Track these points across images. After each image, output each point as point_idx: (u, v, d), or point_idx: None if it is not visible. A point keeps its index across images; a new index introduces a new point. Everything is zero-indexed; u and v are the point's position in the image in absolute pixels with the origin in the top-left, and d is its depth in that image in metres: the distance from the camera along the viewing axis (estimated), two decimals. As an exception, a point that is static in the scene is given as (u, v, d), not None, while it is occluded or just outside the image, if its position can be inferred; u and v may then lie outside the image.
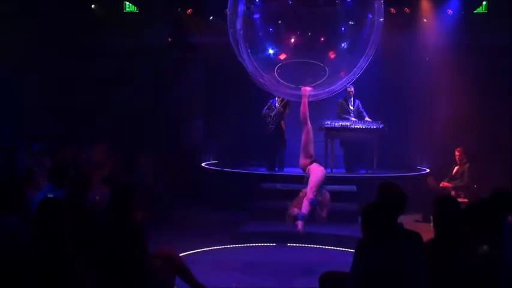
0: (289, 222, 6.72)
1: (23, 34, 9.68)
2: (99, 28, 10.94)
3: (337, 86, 7.62)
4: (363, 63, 7.63)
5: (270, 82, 7.37)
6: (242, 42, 7.35)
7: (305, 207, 6.50)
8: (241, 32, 7.34)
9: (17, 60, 9.60)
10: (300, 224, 6.45)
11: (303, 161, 7.07)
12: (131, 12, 11.66)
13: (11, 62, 9.51)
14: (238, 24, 7.32)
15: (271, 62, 7.56)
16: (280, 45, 7.66)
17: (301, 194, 6.87)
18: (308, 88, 7.42)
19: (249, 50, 7.36)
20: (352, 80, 7.84)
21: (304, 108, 7.24)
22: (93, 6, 11.26)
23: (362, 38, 7.65)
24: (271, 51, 7.53)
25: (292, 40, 7.46)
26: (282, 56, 7.49)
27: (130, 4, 11.61)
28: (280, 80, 7.30)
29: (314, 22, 7.44)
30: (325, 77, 7.33)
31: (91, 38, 10.73)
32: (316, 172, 6.86)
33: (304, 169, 7.07)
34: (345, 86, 7.78)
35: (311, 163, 6.97)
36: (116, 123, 10.88)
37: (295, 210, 6.62)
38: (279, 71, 7.37)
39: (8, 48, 9.45)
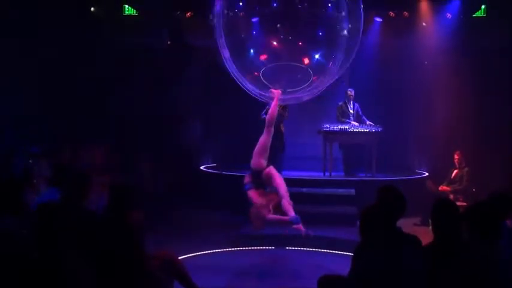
0: (257, 226, 6.62)
1: (22, 35, 9.67)
2: (98, 30, 10.94)
3: (305, 94, 7.28)
4: (334, 73, 7.23)
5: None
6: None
7: (291, 210, 6.43)
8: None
9: (16, 62, 9.59)
10: (301, 227, 6.40)
11: (260, 161, 6.82)
12: (130, 15, 11.69)
13: (9, 63, 9.50)
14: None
15: (257, 64, 7.39)
16: (264, 47, 7.43)
17: (255, 197, 6.69)
18: (278, 90, 7.17)
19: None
20: (321, 88, 7.37)
21: (274, 111, 7.03)
22: (92, 9, 11.27)
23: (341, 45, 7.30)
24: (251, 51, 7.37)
25: (275, 43, 7.33)
26: (263, 57, 7.36)
27: (130, 7, 11.63)
28: (265, 82, 7.18)
29: (297, 25, 7.22)
30: (309, 81, 7.14)
31: (90, 41, 10.73)
32: (279, 175, 6.81)
33: (258, 169, 6.80)
34: (315, 94, 7.38)
35: (267, 166, 6.85)
36: (115, 124, 10.87)
37: (273, 216, 6.50)
38: (256, 74, 7.21)
39: (6, 49, 9.44)
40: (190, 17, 11.67)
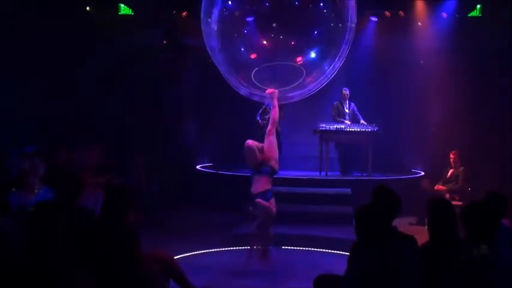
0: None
1: (17, 36, 9.64)
2: (94, 30, 10.91)
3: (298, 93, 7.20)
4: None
5: None
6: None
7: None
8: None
9: (11, 62, 9.56)
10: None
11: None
12: (126, 15, 11.66)
13: (5, 63, 9.47)
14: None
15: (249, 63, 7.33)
16: (255, 47, 7.33)
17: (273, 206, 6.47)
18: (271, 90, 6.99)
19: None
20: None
21: (277, 111, 6.76)
22: (88, 8, 11.24)
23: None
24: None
25: (265, 42, 7.27)
26: (253, 56, 7.27)
27: (126, 6, 11.60)
28: (256, 83, 7.13)
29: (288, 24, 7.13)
30: (301, 79, 7.05)
31: (86, 40, 10.70)
32: None
33: (276, 170, 6.65)
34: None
35: None
36: (110, 124, 10.84)
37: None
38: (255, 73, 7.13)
39: (2, 49, 9.41)
40: (186, 16, 11.66)
